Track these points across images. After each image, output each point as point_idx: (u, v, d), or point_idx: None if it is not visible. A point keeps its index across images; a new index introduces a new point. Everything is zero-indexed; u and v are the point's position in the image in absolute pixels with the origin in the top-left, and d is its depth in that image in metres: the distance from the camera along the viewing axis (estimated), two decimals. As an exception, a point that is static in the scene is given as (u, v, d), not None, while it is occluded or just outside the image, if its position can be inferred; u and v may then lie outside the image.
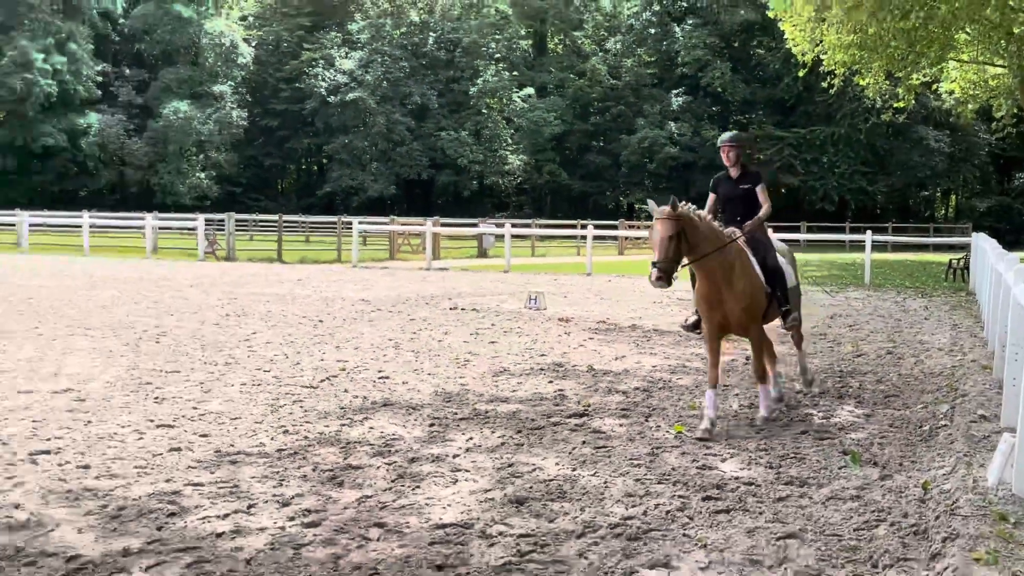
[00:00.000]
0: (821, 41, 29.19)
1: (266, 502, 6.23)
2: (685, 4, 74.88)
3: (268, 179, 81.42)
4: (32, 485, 6.50)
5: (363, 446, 7.68)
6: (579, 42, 77.66)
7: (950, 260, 29.66)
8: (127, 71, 74.90)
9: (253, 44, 77.14)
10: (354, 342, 13.49)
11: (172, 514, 5.95)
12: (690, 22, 73.04)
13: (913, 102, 34.34)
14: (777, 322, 9.52)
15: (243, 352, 12.42)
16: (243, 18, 79.26)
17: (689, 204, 8.27)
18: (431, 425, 8.47)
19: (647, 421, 8.71)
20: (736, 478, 6.84)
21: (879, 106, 39.96)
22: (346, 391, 9.97)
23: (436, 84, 75.27)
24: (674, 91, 72.95)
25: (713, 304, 8.43)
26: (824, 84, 33.37)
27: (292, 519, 5.88)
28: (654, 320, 16.66)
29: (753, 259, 8.66)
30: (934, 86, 36.73)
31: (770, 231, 9.64)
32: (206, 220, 36.69)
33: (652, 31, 75.09)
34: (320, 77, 72.78)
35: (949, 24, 26.59)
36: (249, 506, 6.13)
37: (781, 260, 9.12)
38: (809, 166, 70.45)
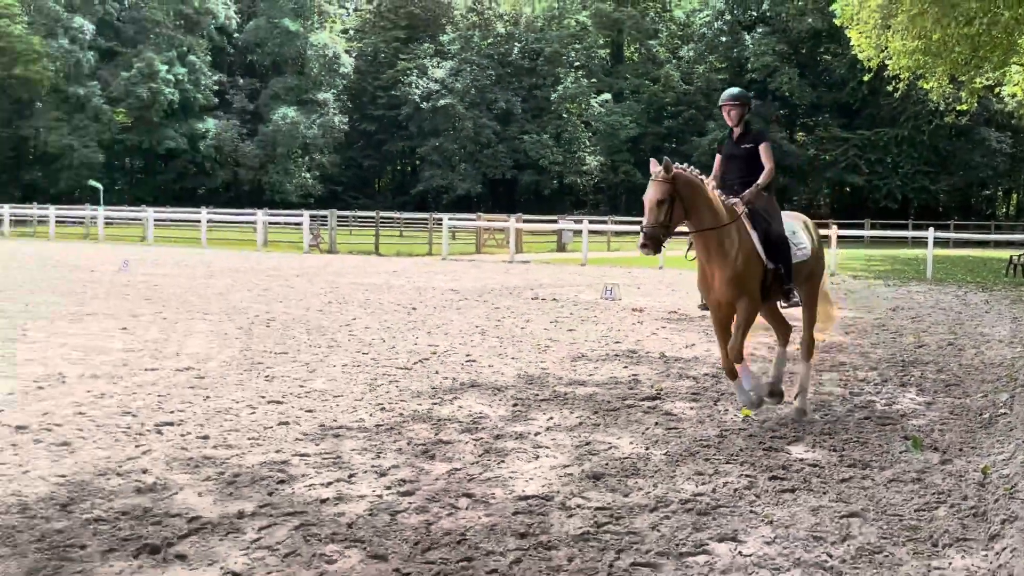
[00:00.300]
0: (886, 47, 28.36)
1: (365, 472, 6.33)
2: (755, 13, 73.58)
3: (366, 179, 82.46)
4: (158, 453, 6.71)
5: (452, 423, 7.75)
6: (654, 50, 76.87)
7: (1011, 256, 28.66)
8: (240, 80, 76.49)
9: (353, 55, 78.14)
10: (444, 328, 13.61)
11: (281, 481, 6.09)
12: (759, 30, 71.76)
13: (976, 105, 33.22)
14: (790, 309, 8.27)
15: (344, 336, 12.62)
16: (344, 31, 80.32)
17: (691, 168, 7.26)
18: (514, 405, 8.50)
19: (716, 405, 8.62)
20: (801, 460, 6.73)
21: (942, 109, 38.77)
22: (437, 372, 10.06)
23: (520, 91, 75.31)
24: (743, 96, 71.84)
25: (707, 279, 7.47)
26: (888, 88, 32.49)
27: (389, 488, 5.97)
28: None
29: (753, 231, 7.43)
30: (997, 89, 35.41)
31: (827, 226, 9.38)
32: (311, 216, 37.34)
33: (723, 39, 73.94)
34: (414, 85, 73.37)
35: (1012, 29, 25.60)
36: (350, 475, 6.24)
37: (793, 232, 7.81)
38: (873, 166, 68.71)
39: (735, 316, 7.45)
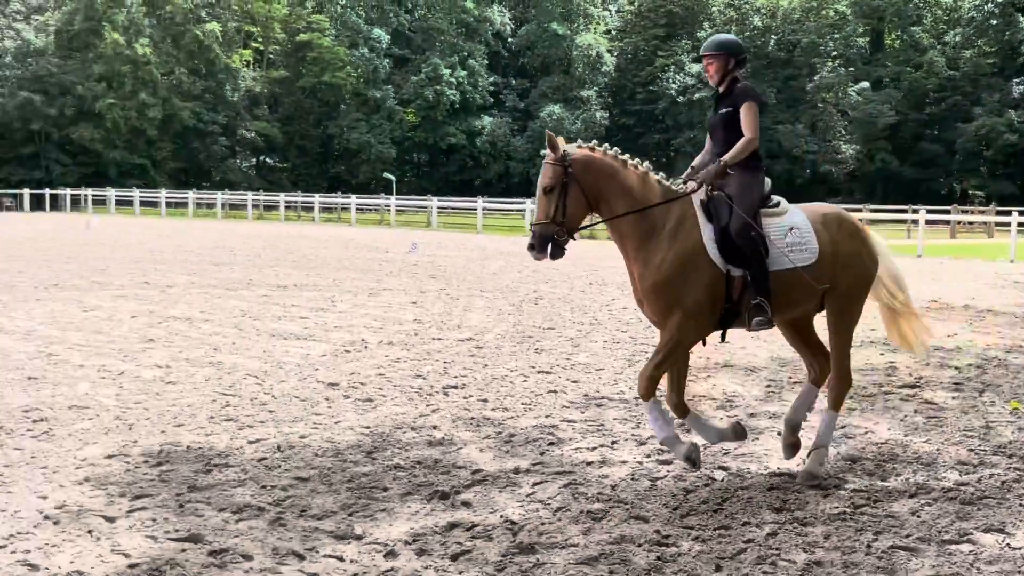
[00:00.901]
0: None
1: (626, 440, 6.41)
2: (1030, -7, 66.19)
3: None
4: (445, 412, 7.14)
5: (706, 400, 7.66)
6: (916, 36, 71.11)
7: None
8: (512, 81, 78.80)
9: (615, 54, 78.31)
10: (698, 310, 13.41)
11: (551, 443, 6.29)
12: (1035, 11, 64.50)
13: None
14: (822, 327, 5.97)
15: (604, 315, 12.76)
16: (607, 32, 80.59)
17: (601, 146, 5.35)
18: (767, 386, 8.27)
19: (980, 396, 7.92)
20: (1077, 456, 6.06)
21: None
22: (691, 352, 9.94)
23: (775, 82, 72.29)
24: (1015, 80, 64.85)
25: (634, 284, 5.47)
26: None
27: (648, 456, 6.01)
28: (988, 301, 15.04)
29: (707, 224, 5.31)
30: None
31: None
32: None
33: (993, 22, 67.11)
34: (671, 80, 72.51)
35: None
36: (612, 442, 6.35)
37: (790, 228, 5.42)
38: None
39: (660, 341, 5.40)
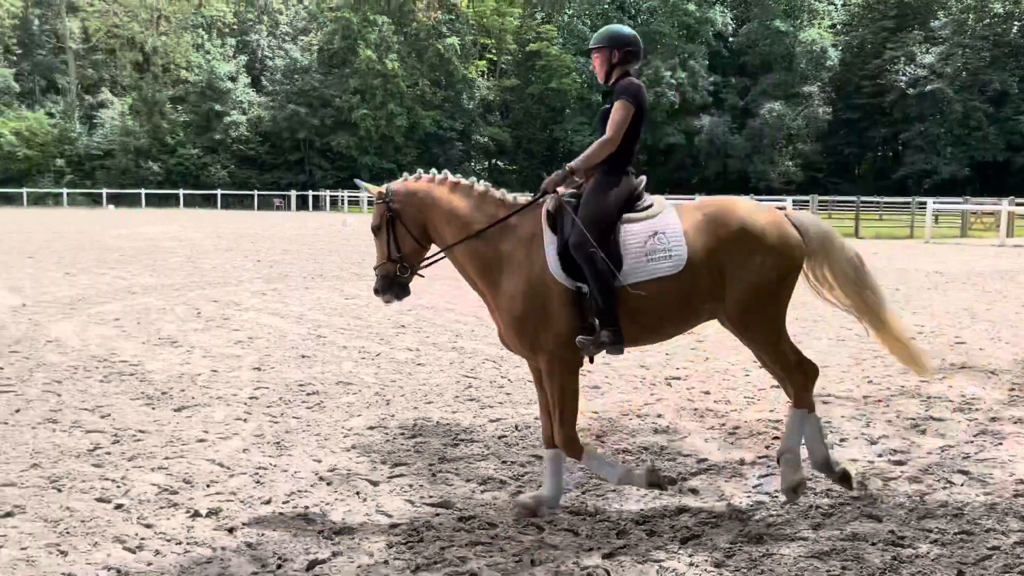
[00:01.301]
0: None
1: (855, 439, 6.10)
2: None
3: (846, 165, 77.94)
4: (669, 402, 7.10)
5: (943, 402, 7.11)
6: None
7: None
8: (732, 80, 76.49)
9: (839, 48, 74.05)
10: (929, 309, 12.47)
11: (776, 437, 6.09)
12: None
13: None
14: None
15: (828, 312, 12.12)
16: (832, 26, 76.36)
17: (438, 174, 4.75)
18: (1011, 390, 7.55)
19: None
20: None
21: None
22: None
23: (1017, 71, 65.51)
24: None
25: (494, 318, 4.76)
26: None
27: (880, 456, 5.69)
28: None
29: (550, 240, 4.52)
30: None
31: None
32: (792, 201, 36.35)
33: None
34: (900, 72, 67.53)
35: None
36: (840, 439, 6.06)
37: (653, 232, 4.53)
38: None
39: (548, 383, 4.61)
